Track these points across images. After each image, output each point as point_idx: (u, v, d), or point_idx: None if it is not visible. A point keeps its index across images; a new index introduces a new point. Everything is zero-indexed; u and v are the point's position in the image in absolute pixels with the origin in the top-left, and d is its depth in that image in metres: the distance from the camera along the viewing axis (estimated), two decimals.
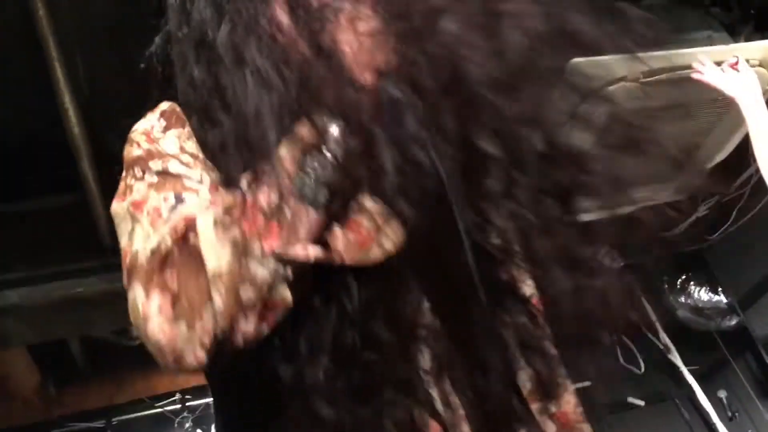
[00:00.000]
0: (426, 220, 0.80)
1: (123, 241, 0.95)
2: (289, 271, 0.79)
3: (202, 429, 4.66)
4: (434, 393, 0.90)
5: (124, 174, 1.00)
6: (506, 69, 0.82)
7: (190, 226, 0.82)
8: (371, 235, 0.80)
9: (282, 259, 0.78)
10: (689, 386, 4.98)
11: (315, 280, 0.83)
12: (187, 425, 4.62)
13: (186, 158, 0.93)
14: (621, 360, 5.37)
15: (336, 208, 0.79)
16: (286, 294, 0.80)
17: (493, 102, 0.82)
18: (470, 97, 0.80)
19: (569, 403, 1.05)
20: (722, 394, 5.24)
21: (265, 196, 0.78)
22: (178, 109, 0.96)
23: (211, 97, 0.88)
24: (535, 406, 0.96)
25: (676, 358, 5.00)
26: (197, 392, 4.66)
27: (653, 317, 5.00)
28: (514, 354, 0.91)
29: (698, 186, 3.36)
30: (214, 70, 0.87)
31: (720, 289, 4.83)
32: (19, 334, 2.99)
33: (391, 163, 0.76)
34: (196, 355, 0.79)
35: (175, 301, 0.79)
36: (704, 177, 3.31)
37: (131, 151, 0.99)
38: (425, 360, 0.90)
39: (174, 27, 0.97)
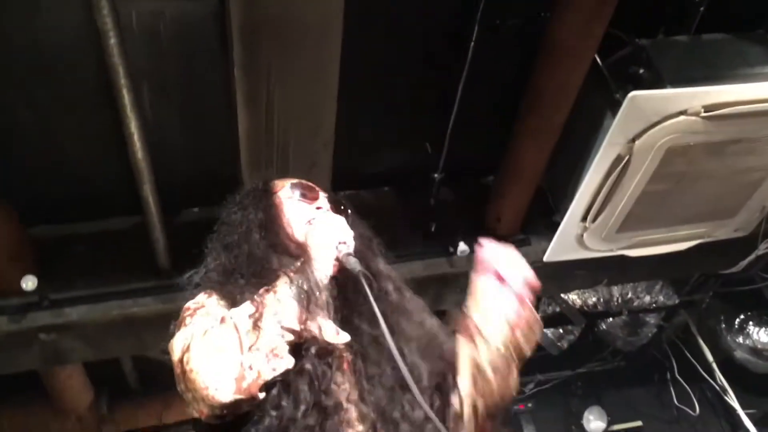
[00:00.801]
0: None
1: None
2: (288, 337, 1.27)
3: None
4: None
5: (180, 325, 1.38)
6: None
7: (227, 315, 1.28)
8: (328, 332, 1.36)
9: (283, 327, 1.26)
10: (746, 430, 4.80)
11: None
12: None
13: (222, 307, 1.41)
14: (675, 400, 5.23)
15: (311, 309, 1.32)
16: (285, 350, 1.26)
17: None
18: None
19: None
20: None
21: (270, 298, 1.29)
22: (213, 293, 1.45)
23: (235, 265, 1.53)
24: None
25: (733, 401, 4.84)
26: None
27: (709, 358, 4.86)
28: None
29: (758, 223, 3.28)
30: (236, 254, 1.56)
31: None
32: (77, 351, 3.06)
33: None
34: (224, 385, 1.20)
35: (216, 350, 1.22)
36: (765, 214, 3.23)
37: (184, 314, 1.39)
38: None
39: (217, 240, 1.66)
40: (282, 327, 1.26)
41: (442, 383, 1.56)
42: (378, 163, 3.29)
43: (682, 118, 2.50)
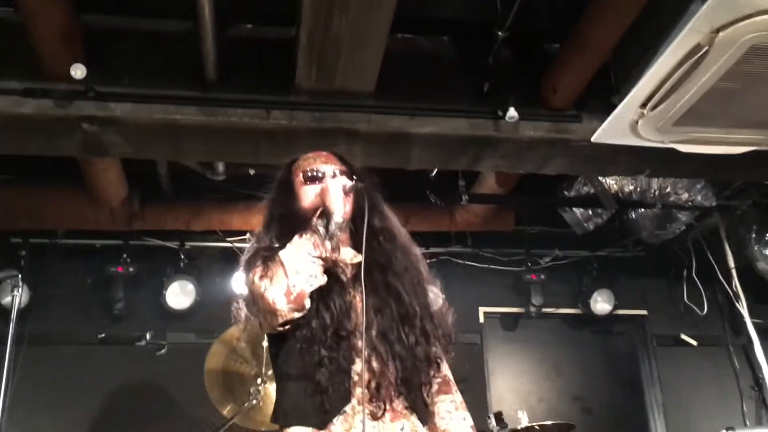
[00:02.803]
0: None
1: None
2: (318, 262, 1.89)
3: None
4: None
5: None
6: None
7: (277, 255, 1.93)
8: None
9: (311, 255, 1.89)
10: (748, 337, 4.90)
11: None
12: None
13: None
14: (685, 297, 5.31)
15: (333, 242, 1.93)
16: (319, 272, 1.89)
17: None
18: None
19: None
20: None
21: (301, 240, 1.92)
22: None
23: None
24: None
25: (743, 308, 4.90)
26: None
27: (731, 263, 4.86)
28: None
29: None
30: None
31: None
32: (116, 145, 3.12)
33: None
34: (280, 299, 1.83)
35: (272, 279, 1.86)
36: None
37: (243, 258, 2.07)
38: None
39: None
40: (311, 255, 1.88)
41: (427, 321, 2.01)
42: (441, 9, 3.14)
43: (765, 17, 2.32)
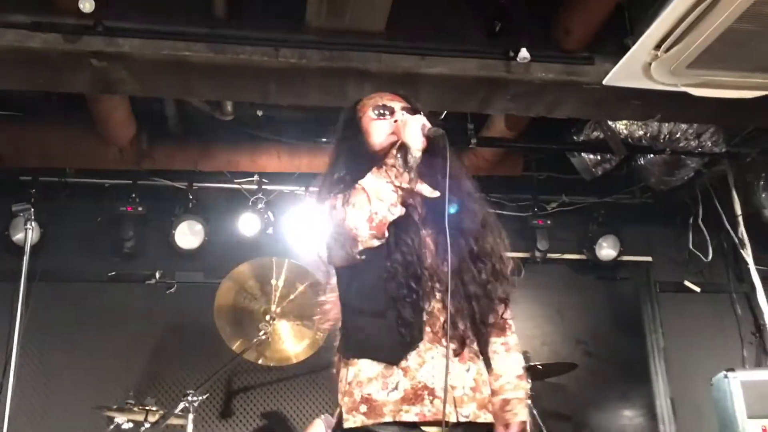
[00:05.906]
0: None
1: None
2: (399, 192, 1.92)
3: (273, 212, 4.86)
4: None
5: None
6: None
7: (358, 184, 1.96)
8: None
9: (395, 185, 1.93)
10: (752, 284, 4.93)
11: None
12: (260, 206, 4.82)
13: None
14: (690, 244, 5.32)
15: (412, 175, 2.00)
16: (398, 203, 1.91)
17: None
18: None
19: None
20: None
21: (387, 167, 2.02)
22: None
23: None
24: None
25: (748, 255, 4.92)
26: (274, 178, 4.85)
27: (738, 211, 4.86)
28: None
29: None
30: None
31: None
32: (125, 82, 3.11)
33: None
34: (362, 225, 1.87)
35: (354, 205, 1.90)
36: None
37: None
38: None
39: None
40: (392, 185, 1.92)
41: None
42: None
43: None
